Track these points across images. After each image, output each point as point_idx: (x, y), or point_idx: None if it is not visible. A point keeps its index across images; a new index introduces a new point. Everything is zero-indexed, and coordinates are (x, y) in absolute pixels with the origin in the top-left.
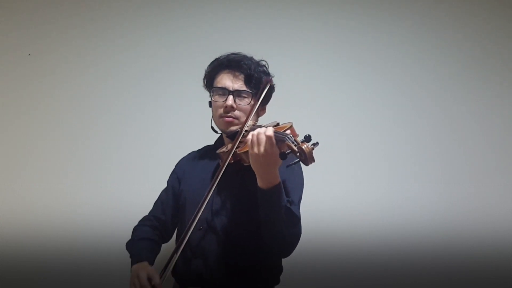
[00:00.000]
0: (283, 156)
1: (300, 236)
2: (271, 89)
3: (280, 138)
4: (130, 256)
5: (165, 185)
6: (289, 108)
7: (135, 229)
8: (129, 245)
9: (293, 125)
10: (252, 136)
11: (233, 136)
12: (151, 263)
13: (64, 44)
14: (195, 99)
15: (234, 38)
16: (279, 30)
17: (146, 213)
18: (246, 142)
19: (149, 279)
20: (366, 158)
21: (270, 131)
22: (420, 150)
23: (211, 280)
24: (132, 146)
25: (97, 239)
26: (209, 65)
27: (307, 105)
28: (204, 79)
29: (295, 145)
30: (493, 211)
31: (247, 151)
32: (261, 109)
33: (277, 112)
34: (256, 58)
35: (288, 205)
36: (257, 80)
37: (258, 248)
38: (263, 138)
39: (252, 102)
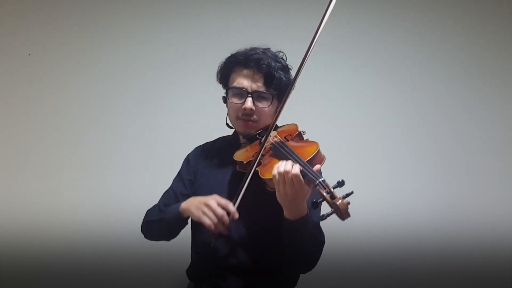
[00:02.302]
0: (315, 205)
1: (320, 255)
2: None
3: (309, 179)
4: (161, 217)
5: (165, 185)
6: (290, 108)
7: (150, 210)
8: (154, 216)
9: (306, 129)
10: (279, 175)
11: (250, 138)
12: None
13: (64, 44)
14: (195, 99)
15: (234, 37)
16: (280, 29)
17: None
18: (267, 156)
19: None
20: (366, 158)
21: (296, 169)
22: (420, 150)
23: (227, 285)
24: (132, 146)
25: (97, 239)
26: (224, 61)
27: (308, 105)
28: (217, 74)
29: (329, 196)
30: (493, 211)
31: (271, 178)
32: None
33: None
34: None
35: (314, 230)
36: (278, 80)
37: (276, 258)
38: (290, 178)
39: (271, 106)
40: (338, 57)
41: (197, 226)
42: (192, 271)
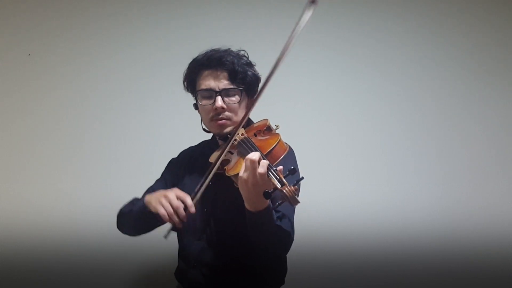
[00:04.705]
0: (267, 195)
1: (292, 241)
2: (258, 81)
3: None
4: (130, 209)
5: None
6: (290, 108)
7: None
8: (126, 208)
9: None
10: (246, 160)
11: (225, 139)
12: None
13: (64, 44)
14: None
15: (230, 36)
16: (278, 28)
17: None
18: (236, 154)
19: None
20: (366, 158)
21: (262, 169)
22: (420, 150)
23: (211, 286)
24: (132, 146)
25: (96, 239)
26: (187, 67)
27: (308, 104)
28: (184, 82)
29: (279, 184)
30: (493, 211)
31: (236, 175)
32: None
33: (279, 113)
34: (244, 53)
35: (279, 222)
36: (242, 74)
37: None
38: (256, 170)
39: (242, 101)
40: (337, 56)
41: (181, 229)
42: (179, 273)
